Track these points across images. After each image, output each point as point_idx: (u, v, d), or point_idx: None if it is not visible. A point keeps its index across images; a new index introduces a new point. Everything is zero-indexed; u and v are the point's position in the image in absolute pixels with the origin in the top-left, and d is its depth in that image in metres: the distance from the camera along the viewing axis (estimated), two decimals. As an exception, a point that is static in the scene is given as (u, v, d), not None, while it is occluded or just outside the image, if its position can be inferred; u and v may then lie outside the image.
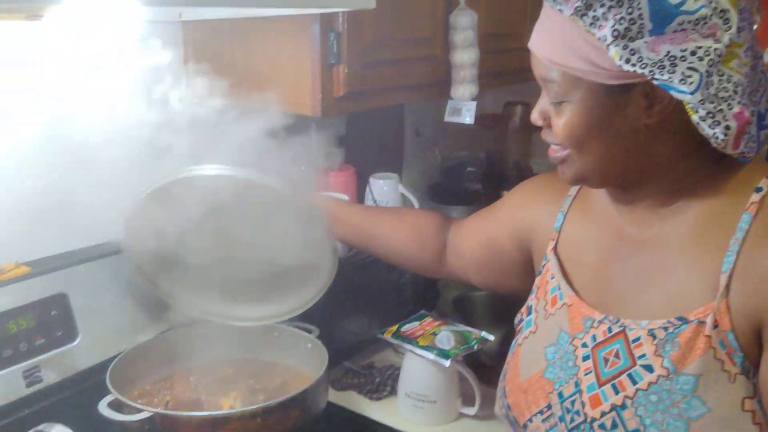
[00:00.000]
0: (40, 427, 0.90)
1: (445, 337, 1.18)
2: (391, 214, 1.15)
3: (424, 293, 1.54)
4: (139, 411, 0.92)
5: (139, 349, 1.10)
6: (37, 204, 1.07)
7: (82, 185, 1.05)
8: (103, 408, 0.94)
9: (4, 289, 0.99)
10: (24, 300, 1.00)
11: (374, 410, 1.22)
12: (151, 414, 0.92)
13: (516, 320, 0.94)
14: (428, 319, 1.27)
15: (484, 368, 1.25)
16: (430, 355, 1.14)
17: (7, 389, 0.97)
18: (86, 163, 0.91)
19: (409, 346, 1.18)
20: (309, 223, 0.97)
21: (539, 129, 0.80)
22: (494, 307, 1.53)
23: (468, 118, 1.37)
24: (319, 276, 1.05)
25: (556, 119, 0.74)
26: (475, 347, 1.18)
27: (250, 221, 0.97)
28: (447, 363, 1.13)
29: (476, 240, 1.03)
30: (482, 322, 1.36)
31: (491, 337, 1.20)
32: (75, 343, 1.06)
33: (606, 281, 0.80)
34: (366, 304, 1.41)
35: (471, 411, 1.18)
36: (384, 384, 1.27)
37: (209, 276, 1.04)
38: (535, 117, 0.78)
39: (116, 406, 0.95)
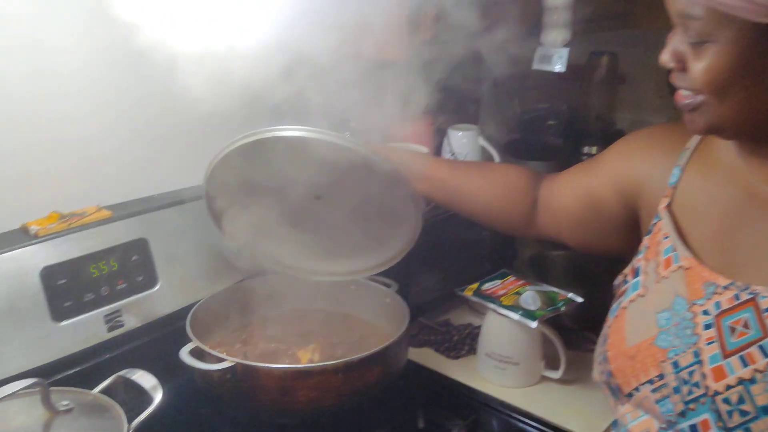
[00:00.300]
0: (122, 372, 0.89)
1: (530, 297, 1.12)
2: (478, 169, 1.08)
3: (501, 251, 1.48)
4: (220, 360, 0.91)
5: (216, 298, 1.08)
6: (124, 149, 1.05)
7: (173, 134, 1.03)
8: (185, 355, 0.92)
9: (87, 233, 0.97)
10: (105, 244, 0.99)
11: (452, 369, 1.18)
12: (233, 364, 0.90)
13: (616, 282, 0.88)
14: (510, 278, 1.21)
15: (566, 330, 1.19)
16: (515, 316, 1.09)
17: (88, 333, 0.97)
18: (180, 113, 0.90)
19: (491, 305, 1.13)
20: (393, 185, 0.93)
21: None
22: (572, 268, 1.46)
23: (559, 65, 1.28)
24: (403, 235, 1.01)
25: (695, 62, 0.66)
26: (562, 309, 1.12)
27: (334, 180, 0.93)
28: (534, 324, 1.07)
29: (573, 196, 0.96)
30: (559, 282, 1.29)
31: (579, 299, 1.14)
32: (155, 289, 1.04)
33: (731, 243, 0.72)
34: (442, 260, 1.36)
35: (555, 375, 1.13)
36: (462, 342, 1.23)
37: (291, 231, 1.01)
38: (666, 59, 0.69)
39: (197, 354, 0.93)
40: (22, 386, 0.75)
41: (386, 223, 1.01)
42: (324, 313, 1.16)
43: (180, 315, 1.03)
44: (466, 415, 1.06)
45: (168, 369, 0.95)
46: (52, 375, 0.92)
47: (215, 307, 1.07)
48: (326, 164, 0.89)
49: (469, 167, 1.11)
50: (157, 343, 1.02)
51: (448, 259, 1.37)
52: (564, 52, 1.27)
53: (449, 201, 1.05)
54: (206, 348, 0.93)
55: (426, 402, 1.08)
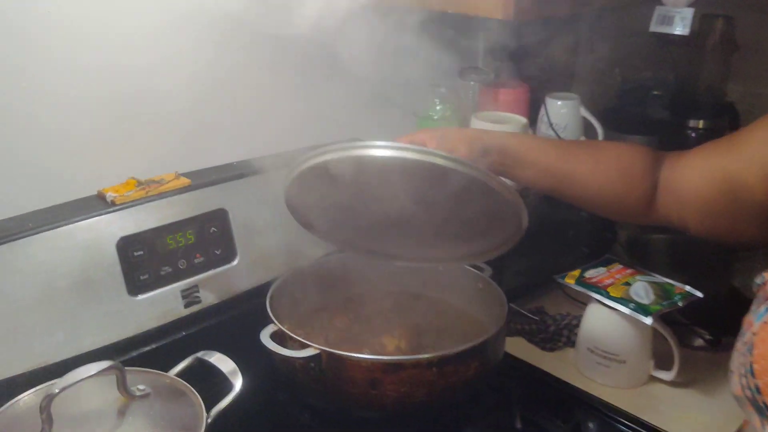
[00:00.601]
0: (199, 354, 0.83)
1: (642, 288, 1.01)
2: (587, 150, 0.96)
3: (600, 233, 1.36)
4: (305, 347, 0.83)
5: (297, 275, 1.00)
6: (200, 115, 0.98)
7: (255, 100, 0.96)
8: (266, 339, 0.85)
9: (164, 201, 0.91)
10: (183, 214, 0.93)
11: (549, 362, 1.07)
12: (318, 352, 0.82)
13: (759, 280, 0.75)
14: (617, 266, 1.10)
15: (677, 327, 1.07)
16: (626, 309, 0.98)
17: (165, 309, 0.91)
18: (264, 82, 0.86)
19: (597, 296, 1.02)
20: (500, 197, 0.81)
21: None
22: (676, 254, 1.32)
23: (680, 27, 1.14)
24: (504, 233, 0.89)
25: None
26: (680, 304, 0.99)
27: (426, 187, 0.81)
28: (648, 320, 0.96)
29: (707, 179, 0.84)
30: (660, 269, 1.16)
31: (698, 293, 1.01)
32: (234, 263, 0.98)
33: None
34: (536, 243, 1.24)
35: (666, 376, 1.01)
36: (559, 334, 1.12)
37: (382, 230, 0.91)
38: None
39: (278, 337, 0.86)
40: (98, 369, 0.69)
41: (487, 219, 0.90)
42: (409, 296, 1.07)
43: (259, 292, 0.96)
44: (566, 416, 0.96)
45: (245, 349, 0.88)
46: (127, 352, 0.87)
47: (295, 285, 0.99)
48: (426, 183, 0.79)
49: (577, 148, 0.99)
50: (235, 322, 0.96)
51: (542, 241, 1.25)
52: (688, 13, 1.13)
53: (555, 188, 0.94)
54: (289, 332, 0.85)
55: (522, 398, 0.99)
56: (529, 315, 1.18)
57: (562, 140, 1.15)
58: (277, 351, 0.83)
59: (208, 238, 0.95)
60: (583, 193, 0.92)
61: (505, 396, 0.98)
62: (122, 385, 0.73)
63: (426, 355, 0.82)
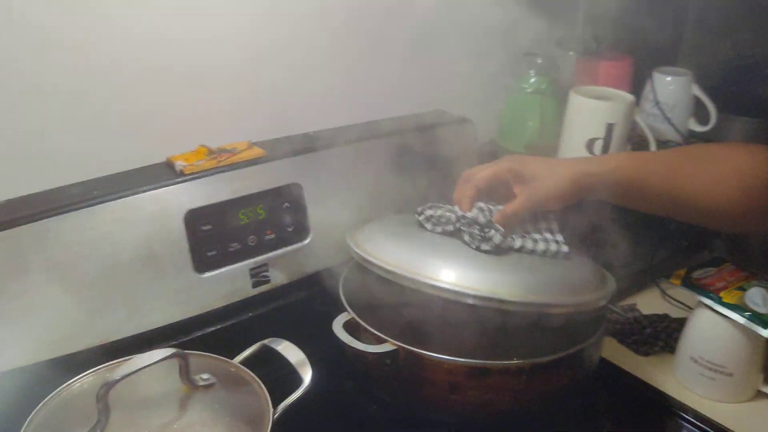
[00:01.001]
0: (266, 341, 0.77)
1: (760, 295, 0.89)
2: (698, 163, 0.81)
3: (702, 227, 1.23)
4: (381, 341, 0.76)
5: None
6: (276, 81, 0.91)
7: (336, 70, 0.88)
8: (338, 329, 0.78)
9: (236, 173, 0.84)
10: (256, 187, 0.86)
11: (642, 368, 0.97)
12: (395, 348, 0.75)
13: None
14: (728, 267, 0.98)
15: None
16: (740, 318, 0.86)
17: (233, 288, 0.85)
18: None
19: (707, 300, 0.90)
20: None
21: None
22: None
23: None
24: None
25: None
26: (804, 316, 0.87)
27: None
28: (765, 332, 0.84)
29: None
30: (762, 268, 1.03)
31: (825, 305, 0.89)
32: (306, 242, 0.91)
33: None
34: (634, 235, 1.13)
35: (778, 394, 0.90)
36: (655, 337, 1.02)
37: None
38: None
39: (352, 327, 0.79)
40: (161, 357, 0.64)
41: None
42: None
43: (331, 274, 0.90)
44: (660, 429, 0.86)
45: (314, 336, 0.82)
46: (191, 333, 0.82)
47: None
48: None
49: (683, 160, 0.83)
50: (305, 305, 0.90)
51: (639, 233, 1.14)
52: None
53: (671, 213, 0.83)
54: (364, 323, 0.78)
55: (611, 406, 0.90)
56: (621, 313, 1.08)
57: (672, 154, 0.95)
58: (350, 344, 0.76)
59: (281, 214, 0.88)
60: (697, 212, 0.81)
61: (592, 403, 0.89)
62: (185, 374, 0.67)
63: (516, 361, 0.73)
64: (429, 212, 0.82)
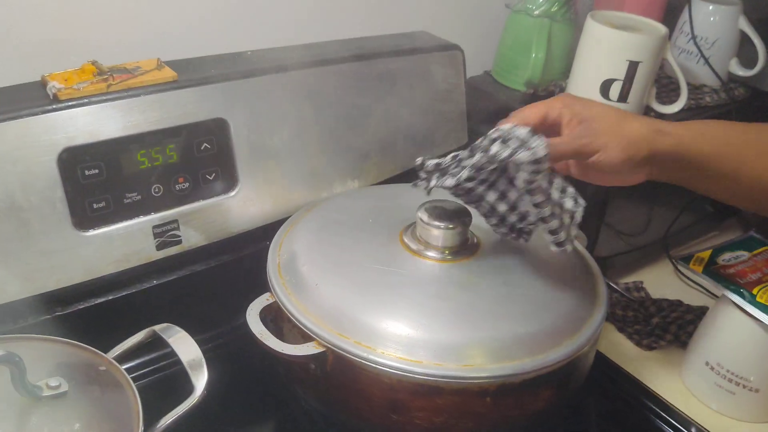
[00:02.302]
0: (157, 328, 0.59)
1: (804, 295, 0.70)
2: (755, 134, 0.61)
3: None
4: (305, 337, 0.57)
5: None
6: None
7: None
8: (253, 316, 0.60)
9: (137, 101, 0.64)
10: (164, 121, 0.66)
11: (645, 368, 0.79)
12: (322, 350, 0.56)
13: None
14: (765, 252, 0.78)
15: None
16: (775, 325, 0.68)
17: (129, 250, 0.66)
18: None
19: (735, 297, 0.71)
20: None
21: None
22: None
23: None
24: None
25: None
26: None
27: None
28: (807, 347, 0.66)
29: None
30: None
31: None
32: (231, 194, 0.71)
33: None
34: (647, 196, 0.94)
35: (813, 418, 0.72)
36: (664, 329, 0.83)
37: None
38: None
39: (274, 314, 0.61)
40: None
41: None
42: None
43: (264, 236, 0.71)
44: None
45: (232, 318, 0.65)
46: (68, 305, 0.64)
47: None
48: None
49: (738, 135, 0.61)
50: (225, 276, 0.71)
51: (654, 194, 0.94)
52: None
53: (730, 198, 0.62)
54: (289, 311, 0.59)
55: (603, 416, 0.73)
56: (624, 293, 0.89)
57: (714, 126, 0.70)
58: (261, 339, 0.57)
59: (198, 158, 0.69)
60: (750, 195, 0.61)
61: (580, 416, 0.71)
62: (20, 383, 0.49)
63: (478, 379, 0.55)
64: (432, 162, 0.60)
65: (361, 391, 0.56)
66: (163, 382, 0.66)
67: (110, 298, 0.66)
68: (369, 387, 0.56)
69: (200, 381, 0.55)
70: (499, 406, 0.56)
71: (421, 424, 0.57)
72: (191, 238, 0.69)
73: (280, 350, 0.56)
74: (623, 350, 0.82)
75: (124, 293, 0.67)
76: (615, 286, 0.90)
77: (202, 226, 0.70)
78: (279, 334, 0.59)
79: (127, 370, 0.54)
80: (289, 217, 0.72)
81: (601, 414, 0.74)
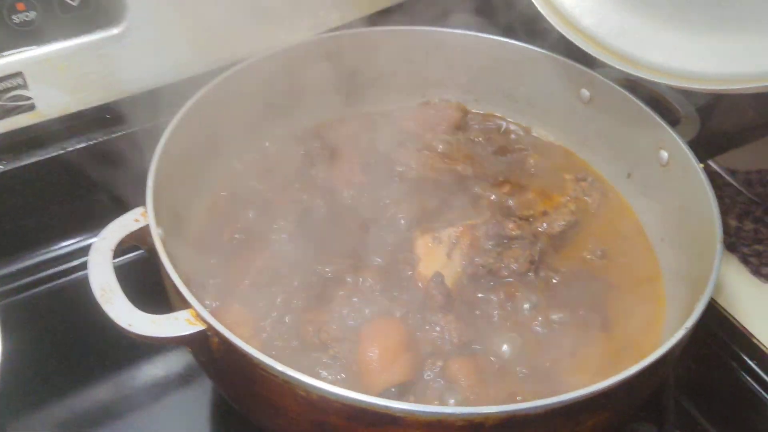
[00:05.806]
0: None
1: None
2: None
3: None
4: (183, 303, 0.33)
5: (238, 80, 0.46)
6: None
7: None
8: (101, 253, 0.36)
9: None
10: None
11: (763, 312, 0.52)
12: (202, 327, 0.32)
13: None
14: None
15: None
16: None
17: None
18: None
19: None
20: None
21: None
22: None
23: None
24: None
25: None
26: None
27: None
28: None
29: None
30: None
31: None
32: (114, 31, 0.44)
33: None
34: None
35: None
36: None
37: None
38: None
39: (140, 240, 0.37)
40: None
41: None
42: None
43: (157, 106, 0.44)
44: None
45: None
46: None
47: (228, 111, 0.45)
48: None
49: None
50: (95, 164, 0.46)
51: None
52: None
53: None
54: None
55: (689, 391, 0.48)
56: (742, 190, 0.60)
57: None
58: (105, 309, 0.33)
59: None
60: None
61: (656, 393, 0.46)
62: None
63: (482, 411, 0.29)
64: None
65: (268, 398, 0.32)
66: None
67: None
68: (281, 398, 0.32)
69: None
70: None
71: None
72: (50, 103, 0.43)
73: (128, 329, 0.32)
74: (735, 282, 0.54)
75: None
76: (729, 178, 0.61)
77: (67, 84, 0.43)
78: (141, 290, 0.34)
79: None
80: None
81: (688, 383, 0.49)
